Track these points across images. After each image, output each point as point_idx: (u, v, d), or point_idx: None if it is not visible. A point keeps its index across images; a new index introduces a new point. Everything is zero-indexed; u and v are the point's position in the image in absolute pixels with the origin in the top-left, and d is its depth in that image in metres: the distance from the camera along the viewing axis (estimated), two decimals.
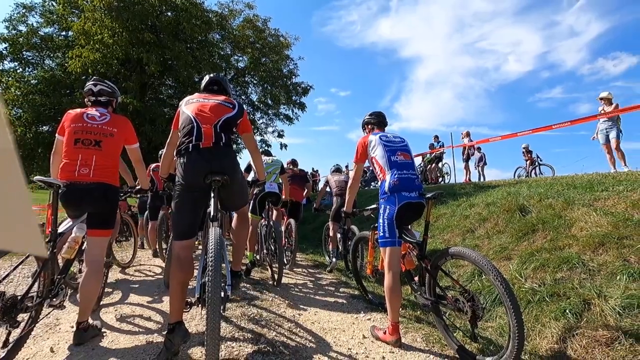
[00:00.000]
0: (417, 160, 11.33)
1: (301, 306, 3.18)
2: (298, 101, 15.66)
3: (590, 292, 2.34)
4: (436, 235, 5.20)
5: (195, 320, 2.61)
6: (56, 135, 2.47)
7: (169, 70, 12.08)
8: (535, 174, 10.31)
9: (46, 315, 2.21)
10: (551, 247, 3.01)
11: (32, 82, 11.36)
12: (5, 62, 11.75)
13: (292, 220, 5.11)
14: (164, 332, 2.36)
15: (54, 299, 2.17)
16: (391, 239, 2.42)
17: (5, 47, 11.62)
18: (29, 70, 12.19)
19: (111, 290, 3.47)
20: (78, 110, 2.50)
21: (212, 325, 1.56)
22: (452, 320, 2.56)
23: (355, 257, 3.68)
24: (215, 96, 2.35)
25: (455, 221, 5.06)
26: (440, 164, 11.39)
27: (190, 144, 2.04)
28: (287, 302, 3.27)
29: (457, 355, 2.20)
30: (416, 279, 2.59)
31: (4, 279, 1.92)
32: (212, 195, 2.03)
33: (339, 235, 5.02)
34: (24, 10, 12.68)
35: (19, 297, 1.87)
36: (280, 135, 16.26)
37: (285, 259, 4.44)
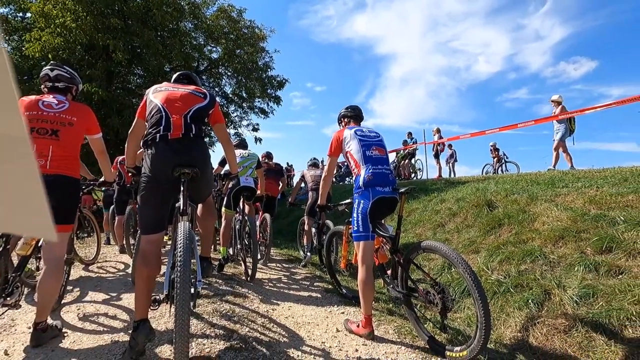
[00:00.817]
0: (391, 157, 11.53)
1: (275, 301, 3.16)
2: (273, 94, 15.45)
3: (550, 283, 2.47)
4: (408, 229, 5.31)
5: (164, 317, 2.53)
6: None
7: (138, 58, 11.54)
8: (502, 170, 10.76)
9: (0, 315, 2.05)
10: (516, 241, 3.15)
11: None
12: None
13: (267, 215, 5.05)
14: (130, 331, 2.28)
15: (8, 298, 2.02)
16: (365, 233, 2.43)
17: None
18: None
19: (72, 288, 3.29)
20: (33, 97, 2.31)
21: (181, 322, 1.51)
22: (423, 312, 2.62)
23: (329, 251, 3.69)
24: (185, 86, 2.27)
25: (427, 216, 5.19)
26: (413, 160, 11.64)
27: (158, 134, 1.95)
28: (260, 297, 3.24)
29: (427, 346, 2.26)
30: (389, 272, 2.63)
31: None
32: (182, 189, 1.96)
33: (313, 230, 5.02)
34: None
35: None
36: (255, 129, 16.02)
37: (259, 254, 4.39)
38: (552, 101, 7.08)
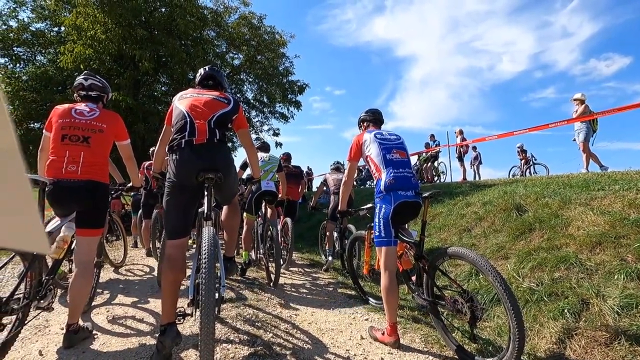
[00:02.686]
0: (413, 160, 11.33)
1: (297, 306, 3.14)
2: (294, 99, 15.56)
3: (588, 292, 2.33)
4: (432, 234, 5.19)
5: (189, 321, 2.56)
6: (44, 131, 2.39)
7: (163, 67, 11.92)
8: (530, 173, 10.35)
9: (34, 317, 2.13)
10: (548, 247, 3.00)
11: (23, 78, 11.14)
12: None
13: (288, 219, 5.04)
14: (156, 335, 2.31)
15: (42, 301, 2.10)
16: (387, 238, 2.38)
17: None
18: (20, 66, 11.94)
19: (102, 290, 3.40)
20: (66, 105, 2.42)
21: (206, 328, 1.51)
22: (451, 321, 2.53)
23: (351, 256, 3.65)
24: (209, 91, 2.29)
25: (452, 220, 5.05)
26: (436, 163, 11.39)
27: (183, 140, 1.98)
28: (283, 302, 3.23)
29: (456, 356, 2.17)
30: (413, 278, 2.57)
31: None
32: (206, 194, 1.98)
33: (335, 234, 4.97)
34: (14, 5, 12.40)
35: (4, 299, 1.79)
36: (275, 134, 16.15)
37: (281, 259, 4.39)
38: (575, 100, 6.77)
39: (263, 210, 4.32)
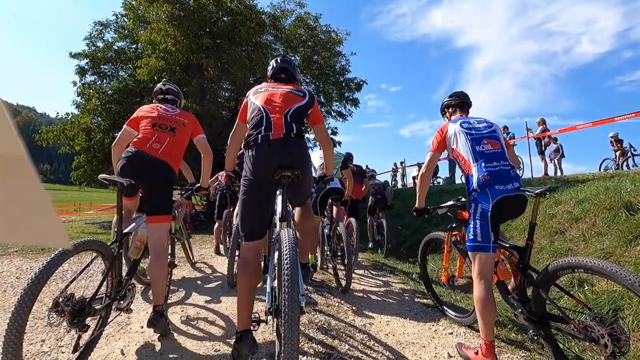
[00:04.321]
0: None
1: (370, 314, 2.92)
2: (351, 97, 15.36)
3: None
4: (515, 236, 4.62)
5: (261, 327, 2.46)
6: (124, 125, 2.50)
7: (226, 73, 12.49)
8: (628, 166, 8.92)
9: (115, 317, 2.19)
10: None
11: (108, 92, 12.42)
12: (87, 75, 13.02)
13: (352, 219, 4.81)
14: (228, 339, 2.26)
15: (122, 301, 2.16)
16: (485, 243, 2.02)
17: (87, 62, 12.85)
18: (106, 82, 13.37)
19: (176, 288, 3.50)
20: (151, 105, 2.66)
21: (290, 344, 1.31)
22: (571, 348, 2.08)
23: (425, 260, 3.30)
24: (284, 85, 2.19)
25: (539, 220, 4.44)
26: None
27: (260, 135, 1.89)
28: (354, 308, 3.03)
29: None
30: (513, 292, 2.19)
31: (72, 281, 1.85)
32: (281, 192, 1.85)
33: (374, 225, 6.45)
34: (100, 28, 13.97)
35: (88, 300, 1.83)
36: (334, 133, 16.11)
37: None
38: None
39: (328, 209, 4.16)
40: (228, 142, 2.30)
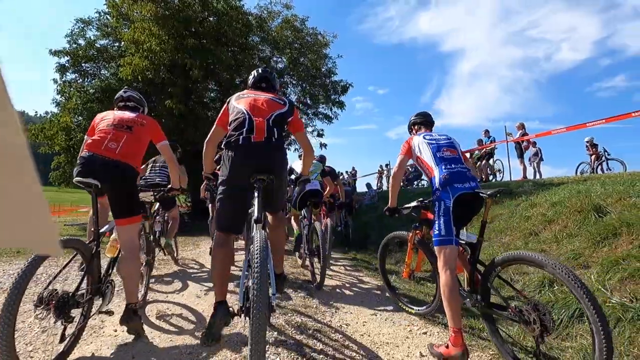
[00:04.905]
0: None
1: (347, 314, 2.98)
2: (337, 100, 15.45)
3: None
4: (492, 237, 4.75)
5: (236, 328, 2.47)
6: (85, 136, 2.51)
7: (212, 74, 12.40)
8: (602, 169, 9.27)
9: (96, 312, 2.21)
10: None
11: (90, 91, 12.16)
12: (67, 73, 12.71)
13: (328, 220, 5.02)
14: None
15: (103, 302, 2.21)
16: (448, 237, 2.22)
17: (67, 60, 12.53)
18: (88, 80, 13.07)
19: (158, 287, 3.49)
20: (109, 111, 2.60)
21: (257, 337, 1.37)
22: (512, 335, 2.27)
23: (384, 258, 3.53)
24: (265, 93, 2.31)
25: (515, 222, 4.60)
26: (491, 161, 10.63)
27: (241, 137, 1.96)
28: (332, 310, 3.08)
29: None
30: (464, 285, 2.40)
31: (55, 277, 1.92)
32: (256, 195, 1.91)
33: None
34: (82, 25, 13.65)
35: (70, 294, 1.92)
36: (320, 135, 16.15)
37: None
38: None
39: (307, 212, 4.38)
40: (205, 146, 2.31)
